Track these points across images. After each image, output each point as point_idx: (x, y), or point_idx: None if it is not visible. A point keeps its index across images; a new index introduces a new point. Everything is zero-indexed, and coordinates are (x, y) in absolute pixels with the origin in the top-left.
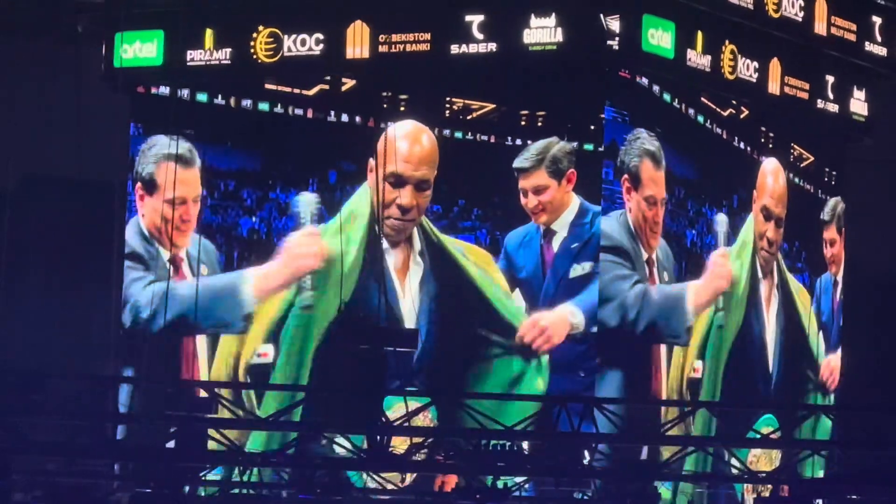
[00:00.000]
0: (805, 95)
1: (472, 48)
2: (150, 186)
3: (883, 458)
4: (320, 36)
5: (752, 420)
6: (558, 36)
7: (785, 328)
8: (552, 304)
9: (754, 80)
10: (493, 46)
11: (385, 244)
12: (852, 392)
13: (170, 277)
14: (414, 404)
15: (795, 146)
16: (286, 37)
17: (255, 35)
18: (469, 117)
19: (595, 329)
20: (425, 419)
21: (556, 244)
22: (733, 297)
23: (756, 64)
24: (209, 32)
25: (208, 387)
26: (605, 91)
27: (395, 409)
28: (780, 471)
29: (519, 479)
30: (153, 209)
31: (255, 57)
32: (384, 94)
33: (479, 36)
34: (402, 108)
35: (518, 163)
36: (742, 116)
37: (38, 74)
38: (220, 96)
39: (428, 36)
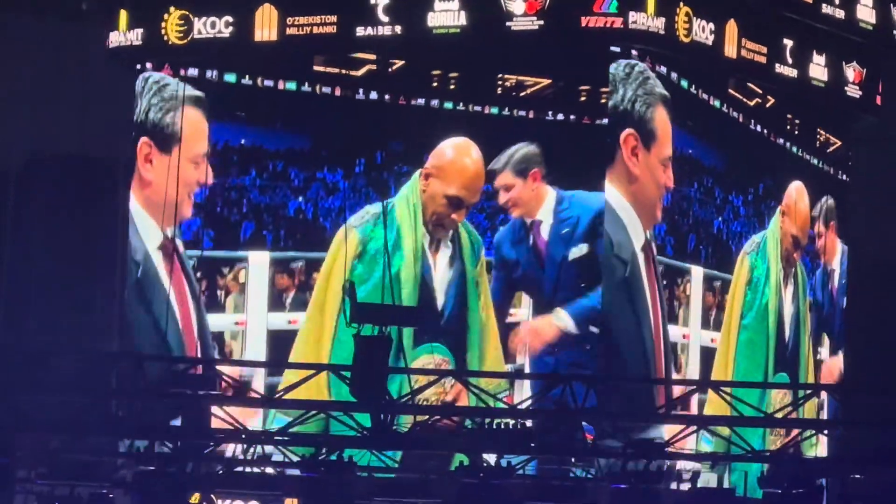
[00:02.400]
0: (763, 59)
1: (378, 30)
2: (166, 140)
3: (887, 438)
4: (230, 18)
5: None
6: (461, 19)
7: (795, 307)
8: (558, 292)
9: (710, 43)
10: (398, 29)
11: (423, 230)
12: (856, 372)
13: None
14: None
15: (822, 131)
16: (196, 19)
17: (166, 16)
18: (523, 94)
19: (596, 329)
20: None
21: (545, 232)
22: (768, 282)
23: (712, 26)
24: (123, 13)
25: (211, 364)
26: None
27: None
28: (783, 450)
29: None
30: (164, 172)
31: (165, 38)
32: (434, 72)
33: (385, 18)
34: (451, 87)
35: (490, 165)
36: (768, 105)
37: (43, 52)
38: (246, 76)
39: (334, 18)
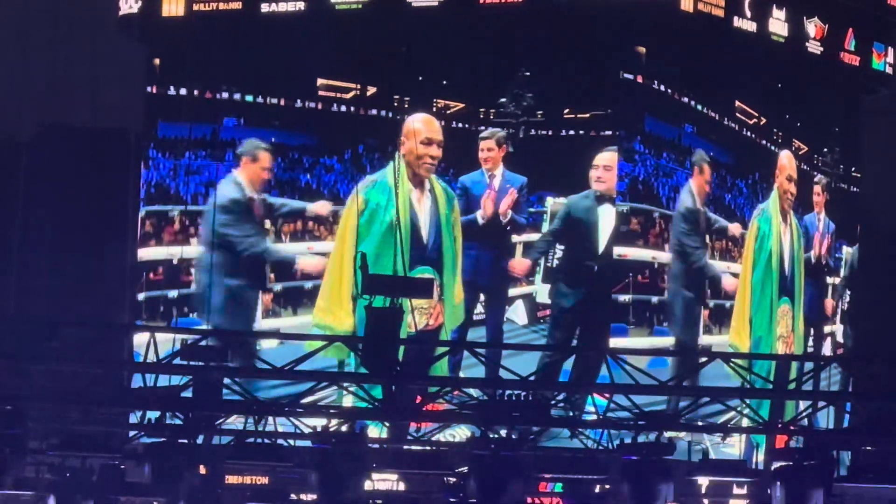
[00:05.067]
0: (721, 13)
1: (282, 7)
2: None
3: None
4: None
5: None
6: None
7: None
8: None
9: None
10: (301, 6)
11: (410, 185)
12: (867, 342)
13: None
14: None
15: (802, 145)
16: None
17: None
18: (448, 112)
19: None
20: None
21: None
22: (771, 233)
23: None
24: None
25: (222, 336)
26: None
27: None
28: (795, 422)
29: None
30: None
31: None
32: (405, 98)
33: None
34: (406, 106)
35: None
36: (762, 124)
37: (54, 22)
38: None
39: None
